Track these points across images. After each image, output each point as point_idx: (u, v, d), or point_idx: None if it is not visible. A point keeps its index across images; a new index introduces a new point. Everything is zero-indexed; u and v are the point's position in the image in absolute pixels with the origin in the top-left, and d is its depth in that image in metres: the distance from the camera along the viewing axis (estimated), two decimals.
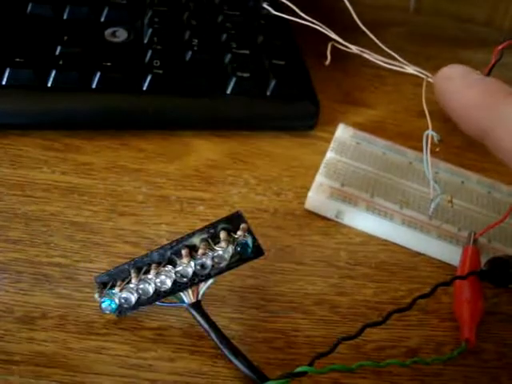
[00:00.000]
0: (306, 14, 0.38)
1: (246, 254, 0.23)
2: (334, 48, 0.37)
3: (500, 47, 0.34)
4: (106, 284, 0.24)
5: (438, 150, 0.30)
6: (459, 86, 0.21)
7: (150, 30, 0.35)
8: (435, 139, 0.30)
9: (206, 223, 0.24)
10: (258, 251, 0.23)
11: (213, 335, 0.24)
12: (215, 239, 0.23)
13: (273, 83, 0.34)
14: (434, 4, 0.51)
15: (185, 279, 0.23)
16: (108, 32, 0.35)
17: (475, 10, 0.51)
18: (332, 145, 0.33)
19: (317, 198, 0.30)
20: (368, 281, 0.28)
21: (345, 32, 0.37)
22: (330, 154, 0.32)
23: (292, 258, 0.28)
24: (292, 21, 0.38)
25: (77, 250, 0.27)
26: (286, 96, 0.34)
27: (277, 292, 0.27)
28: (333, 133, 0.34)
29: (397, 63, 0.37)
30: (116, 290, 0.23)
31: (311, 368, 0.22)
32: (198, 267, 0.23)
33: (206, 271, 0.23)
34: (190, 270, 0.23)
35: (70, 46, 0.32)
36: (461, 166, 0.34)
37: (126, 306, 0.24)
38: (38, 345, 0.23)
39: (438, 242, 0.29)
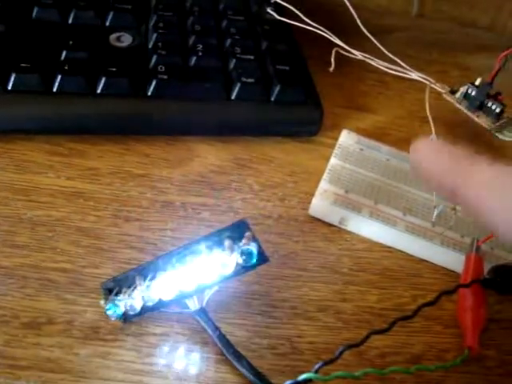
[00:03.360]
0: (310, 20, 0.38)
1: (251, 262, 0.23)
2: (337, 53, 0.37)
3: (503, 54, 0.34)
4: (111, 290, 0.24)
5: None
6: (427, 156, 0.23)
7: (155, 35, 0.35)
8: None
9: (211, 229, 0.24)
10: (262, 258, 0.24)
11: (217, 341, 0.24)
12: (220, 246, 0.24)
13: (277, 89, 0.34)
14: (437, 9, 0.51)
15: (190, 286, 0.23)
16: (113, 37, 0.35)
17: (478, 15, 0.51)
18: (336, 151, 0.33)
19: (321, 205, 0.30)
20: (372, 287, 0.28)
21: (348, 37, 0.38)
22: (333, 160, 0.32)
23: (296, 264, 0.28)
24: (296, 26, 0.38)
25: (82, 255, 0.27)
26: (290, 101, 0.34)
27: (281, 298, 0.27)
28: (336, 138, 0.34)
29: (400, 69, 0.38)
30: (121, 296, 0.24)
31: (316, 375, 0.22)
32: (204, 274, 0.23)
33: (211, 278, 0.23)
34: (196, 277, 0.23)
35: (76, 51, 0.33)
36: None
37: (131, 312, 0.24)
38: (44, 350, 0.23)
39: (441, 249, 0.29)
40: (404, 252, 0.30)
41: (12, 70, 0.30)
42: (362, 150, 0.33)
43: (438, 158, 0.23)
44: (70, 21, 0.35)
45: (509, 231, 0.19)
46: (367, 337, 0.23)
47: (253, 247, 0.23)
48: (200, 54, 0.34)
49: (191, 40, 0.35)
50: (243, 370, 0.23)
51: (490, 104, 0.34)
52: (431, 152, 0.24)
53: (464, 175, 0.21)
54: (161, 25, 0.35)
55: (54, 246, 0.27)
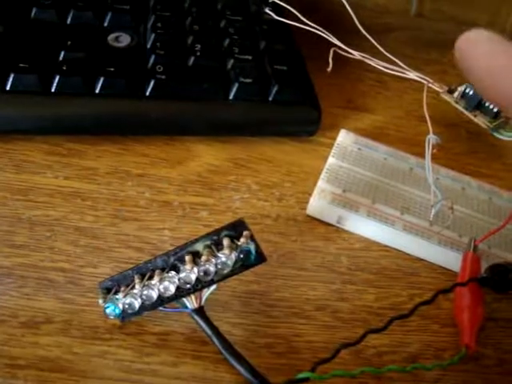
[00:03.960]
0: (308, 20, 0.38)
1: (249, 260, 0.23)
2: (335, 53, 0.37)
3: None
4: (109, 289, 0.24)
5: (434, 151, 0.31)
6: (487, 51, 0.20)
7: (153, 35, 0.35)
8: (434, 142, 0.31)
9: (209, 229, 0.24)
10: (260, 258, 0.24)
11: (215, 340, 0.24)
12: (218, 246, 0.24)
13: (275, 89, 0.34)
14: (436, 8, 0.51)
15: (188, 285, 0.23)
16: (111, 37, 0.35)
17: (477, 14, 0.51)
18: (333, 150, 0.33)
19: (318, 204, 0.30)
20: (369, 286, 0.28)
21: (347, 37, 0.38)
22: (331, 160, 0.32)
23: (294, 263, 0.29)
24: (294, 26, 0.38)
25: (81, 255, 0.27)
26: (288, 101, 0.34)
27: (279, 297, 0.27)
28: (334, 138, 0.34)
29: (398, 69, 0.38)
30: (120, 295, 0.24)
31: (313, 374, 0.22)
32: (202, 273, 0.23)
33: (209, 277, 0.23)
34: (194, 276, 0.23)
35: (74, 51, 0.33)
36: (461, 172, 0.34)
37: (129, 311, 0.24)
38: (43, 349, 0.23)
39: (438, 248, 0.29)
40: (401, 251, 0.30)
41: (10, 71, 0.30)
42: (359, 149, 0.33)
43: (498, 55, 0.20)
44: (68, 21, 0.35)
45: None
46: (364, 336, 0.23)
47: (251, 246, 0.23)
48: (198, 54, 0.34)
49: (189, 40, 0.35)
50: (241, 369, 0.23)
51: (487, 103, 0.34)
52: (490, 47, 0.20)
53: None
54: (159, 25, 0.36)
55: (52, 246, 0.27)
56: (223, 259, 0.23)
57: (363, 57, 0.37)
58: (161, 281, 0.23)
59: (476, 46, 0.21)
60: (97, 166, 0.31)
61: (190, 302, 0.24)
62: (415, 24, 0.49)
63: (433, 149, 0.31)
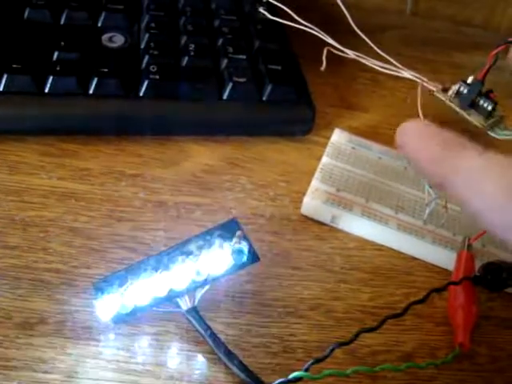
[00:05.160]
0: (302, 19, 0.38)
1: (241, 260, 0.23)
2: (330, 52, 0.37)
3: (494, 52, 0.34)
4: (103, 290, 0.24)
5: None
6: (417, 141, 0.23)
7: (147, 36, 0.35)
8: None
9: (203, 229, 0.25)
10: (253, 257, 0.24)
11: (209, 340, 0.24)
12: (211, 246, 0.24)
13: (269, 88, 0.34)
14: (431, 7, 0.51)
15: (181, 285, 0.23)
16: (105, 37, 0.35)
17: (472, 13, 0.51)
18: (327, 150, 0.33)
19: (312, 203, 0.30)
20: (363, 285, 0.28)
21: (341, 36, 0.38)
22: (325, 159, 0.32)
23: (288, 262, 0.29)
24: (288, 25, 0.38)
25: (74, 255, 0.27)
26: (283, 101, 0.34)
27: (272, 297, 0.27)
28: (329, 137, 0.34)
29: (393, 67, 0.38)
30: (113, 296, 0.24)
31: (306, 374, 0.22)
32: (195, 274, 0.23)
33: (202, 277, 0.23)
34: (187, 277, 0.23)
35: (67, 52, 0.33)
36: None
37: (123, 312, 0.24)
38: (36, 350, 0.23)
39: (432, 247, 0.29)
40: (396, 250, 0.30)
41: (4, 71, 0.30)
42: (353, 148, 0.33)
43: (427, 143, 0.22)
44: (61, 21, 0.35)
45: (495, 220, 0.19)
46: (357, 335, 0.23)
47: (244, 246, 0.23)
48: (192, 53, 0.34)
49: (183, 40, 0.35)
50: (235, 369, 0.23)
51: (481, 102, 0.34)
52: (420, 136, 0.23)
53: (453, 162, 0.21)
54: (153, 25, 0.36)
55: (46, 247, 0.27)
56: (216, 259, 0.23)
57: (357, 56, 0.37)
58: (154, 281, 0.23)
59: (409, 140, 0.23)
60: (91, 166, 0.31)
61: (184, 302, 0.24)
62: (410, 23, 0.49)
63: None
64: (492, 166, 0.20)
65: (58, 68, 0.31)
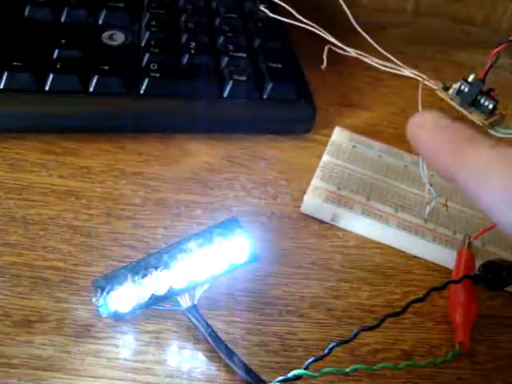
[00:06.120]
0: (303, 17, 0.38)
1: (242, 259, 0.23)
2: (331, 50, 0.37)
3: (495, 51, 0.34)
4: (103, 288, 0.24)
5: None
6: (429, 132, 0.22)
7: (147, 34, 0.35)
8: None
9: (203, 227, 0.25)
10: (253, 256, 0.24)
11: (209, 338, 0.24)
12: (211, 244, 0.24)
13: (269, 86, 0.34)
14: (432, 5, 0.51)
15: (181, 283, 0.23)
16: (105, 35, 0.35)
17: (473, 12, 0.51)
18: (328, 148, 0.33)
19: (313, 202, 0.30)
20: (363, 284, 0.28)
21: (342, 34, 0.38)
22: (325, 158, 0.32)
23: (288, 261, 0.28)
24: (289, 23, 0.38)
25: (74, 253, 0.27)
26: (283, 99, 0.34)
27: (272, 295, 0.27)
28: (329, 136, 0.34)
29: (394, 66, 0.37)
30: (113, 294, 0.24)
31: (306, 372, 0.22)
32: (195, 272, 0.23)
33: (203, 276, 0.23)
34: (186, 275, 0.23)
35: (68, 50, 0.33)
36: None
37: (123, 309, 0.24)
38: (36, 348, 0.23)
39: (433, 246, 0.29)
40: (396, 249, 0.30)
41: (4, 69, 0.30)
42: (354, 146, 0.33)
43: (438, 134, 0.22)
44: (62, 19, 0.35)
45: (505, 213, 0.18)
46: (357, 333, 0.23)
47: (244, 244, 0.23)
48: (192, 51, 0.34)
49: (184, 38, 0.35)
50: (235, 367, 0.23)
51: (482, 100, 0.34)
52: (431, 128, 0.22)
53: (462, 155, 0.20)
54: (153, 23, 0.35)
55: (46, 245, 0.27)
56: (216, 258, 0.23)
57: (358, 54, 0.37)
58: (154, 279, 0.23)
59: (420, 131, 0.23)
60: (91, 164, 0.31)
61: (184, 301, 0.24)
62: (412, 21, 0.49)
63: None
64: (502, 159, 0.19)
65: (58, 66, 0.31)
